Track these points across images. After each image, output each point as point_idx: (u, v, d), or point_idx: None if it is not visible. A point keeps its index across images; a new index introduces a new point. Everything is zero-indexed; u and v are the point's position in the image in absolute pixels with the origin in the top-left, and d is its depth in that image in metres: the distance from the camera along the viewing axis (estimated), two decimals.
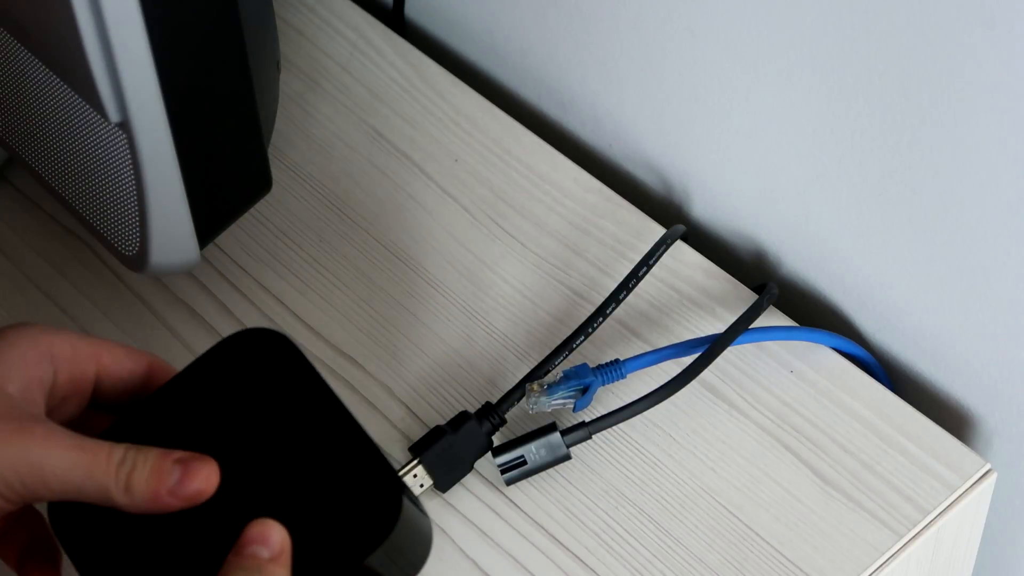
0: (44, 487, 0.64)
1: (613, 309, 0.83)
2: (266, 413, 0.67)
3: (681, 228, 0.87)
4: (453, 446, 0.79)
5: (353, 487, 0.64)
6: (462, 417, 0.79)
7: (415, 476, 0.78)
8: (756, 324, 0.82)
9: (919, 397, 0.86)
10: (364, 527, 0.63)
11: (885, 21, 0.73)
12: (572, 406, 0.81)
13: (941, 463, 0.79)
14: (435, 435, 0.79)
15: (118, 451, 0.64)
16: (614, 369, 0.81)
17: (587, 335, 0.82)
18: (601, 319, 0.82)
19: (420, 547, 0.66)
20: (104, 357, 0.69)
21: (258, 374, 0.67)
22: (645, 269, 0.84)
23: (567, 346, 0.81)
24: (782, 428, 0.81)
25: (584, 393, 0.80)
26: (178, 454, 0.64)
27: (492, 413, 0.79)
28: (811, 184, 0.84)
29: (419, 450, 0.78)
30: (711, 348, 0.81)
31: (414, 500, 0.65)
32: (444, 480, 0.79)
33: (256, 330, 0.68)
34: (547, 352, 0.83)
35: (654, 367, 0.83)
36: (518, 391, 0.79)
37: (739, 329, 0.81)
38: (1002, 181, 0.74)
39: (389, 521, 0.63)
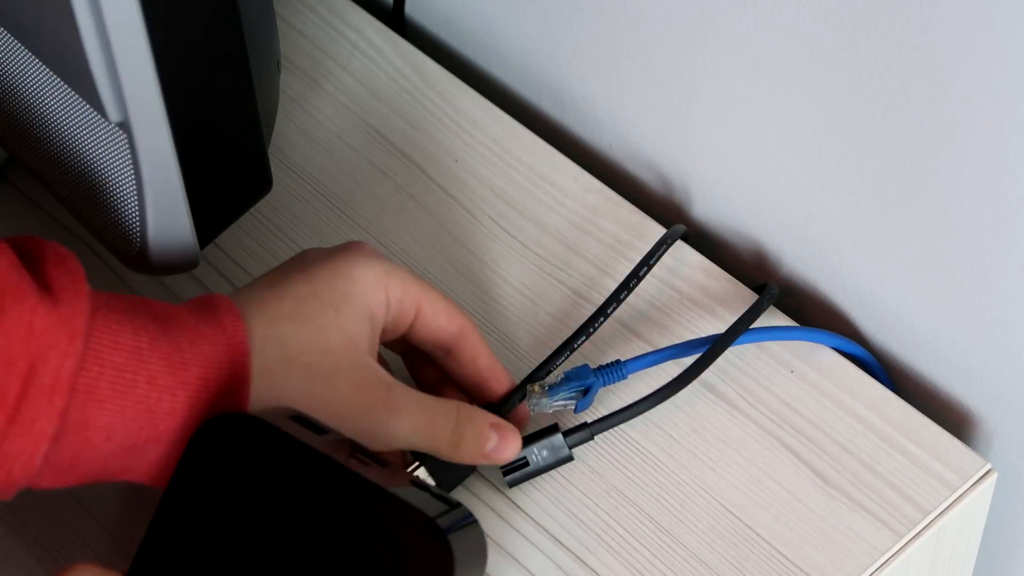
0: (387, 446, 0.74)
1: (614, 309, 0.83)
2: (276, 499, 0.67)
3: (682, 228, 0.87)
4: None
5: (399, 543, 0.65)
6: None
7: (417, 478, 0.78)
8: (756, 324, 0.82)
9: (919, 397, 0.86)
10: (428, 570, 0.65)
11: (885, 21, 0.73)
12: (573, 407, 0.81)
13: (941, 463, 0.79)
14: None
15: (451, 417, 0.75)
16: (615, 370, 0.81)
17: (588, 335, 0.82)
18: (602, 319, 0.82)
19: (479, 549, 0.68)
20: (425, 306, 0.76)
21: (247, 461, 0.67)
22: (646, 269, 0.84)
23: (568, 346, 0.81)
24: (782, 428, 0.81)
25: (585, 394, 0.80)
26: (492, 418, 0.76)
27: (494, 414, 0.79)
28: (811, 184, 0.84)
29: (421, 453, 0.78)
30: (712, 348, 0.81)
31: (448, 506, 0.67)
32: (447, 482, 0.78)
33: (220, 417, 0.68)
34: (547, 352, 0.83)
35: (655, 367, 0.83)
36: (519, 392, 0.79)
37: (740, 329, 0.81)
38: (1002, 181, 0.74)
39: (447, 559, 0.65)
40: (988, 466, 0.79)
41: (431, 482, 0.78)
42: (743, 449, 0.80)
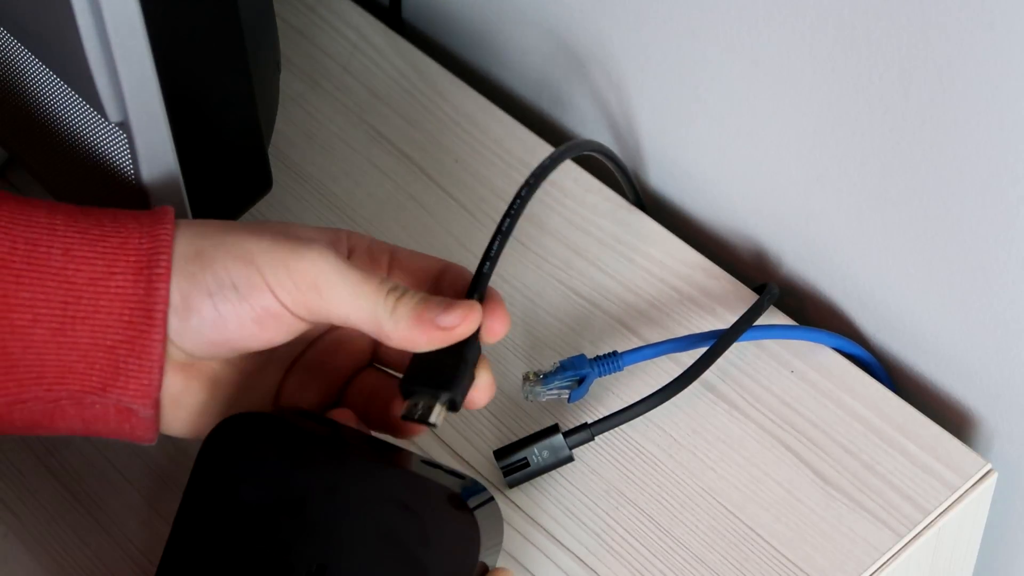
0: (317, 294, 0.68)
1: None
2: (297, 492, 0.68)
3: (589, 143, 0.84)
4: None
5: (424, 520, 0.66)
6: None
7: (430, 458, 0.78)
8: (756, 324, 0.82)
9: (919, 397, 0.86)
10: (457, 548, 0.66)
11: (885, 21, 0.73)
12: (567, 396, 0.81)
13: (941, 463, 0.79)
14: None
15: (389, 281, 0.69)
16: (611, 361, 0.81)
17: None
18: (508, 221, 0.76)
19: (497, 523, 0.69)
20: (399, 252, 0.73)
21: (263, 457, 0.69)
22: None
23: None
24: (782, 428, 0.81)
25: (580, 384, 0.80)
26: (445, 298, 0.69)
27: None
28: (811, 184, 0.84)
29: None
30: (712, 348, 0.81)
31: (463, 481, 0.67)
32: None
33: (234, 417, 0.70)
34: (547, 352, 0.83)
35: (654, 369, 0.83)
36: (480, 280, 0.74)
37: (740, 329, 0.81)
38: (1002, 181, 0.74)
39: (473, 531, 0.65)
40: (988, 466, 0.79)
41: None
42: (743, 449, 0.80)
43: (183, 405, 0.71)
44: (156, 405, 0.69)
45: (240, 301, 0.68)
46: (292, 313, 0.69)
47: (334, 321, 0.69)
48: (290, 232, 0.70)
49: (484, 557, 0.66)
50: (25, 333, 0.67)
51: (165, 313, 0.68)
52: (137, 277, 0.68)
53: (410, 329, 0.68)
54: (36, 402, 0.68)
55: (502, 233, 0.73)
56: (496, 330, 0.70)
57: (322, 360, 0.74)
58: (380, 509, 0.67)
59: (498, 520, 0.69)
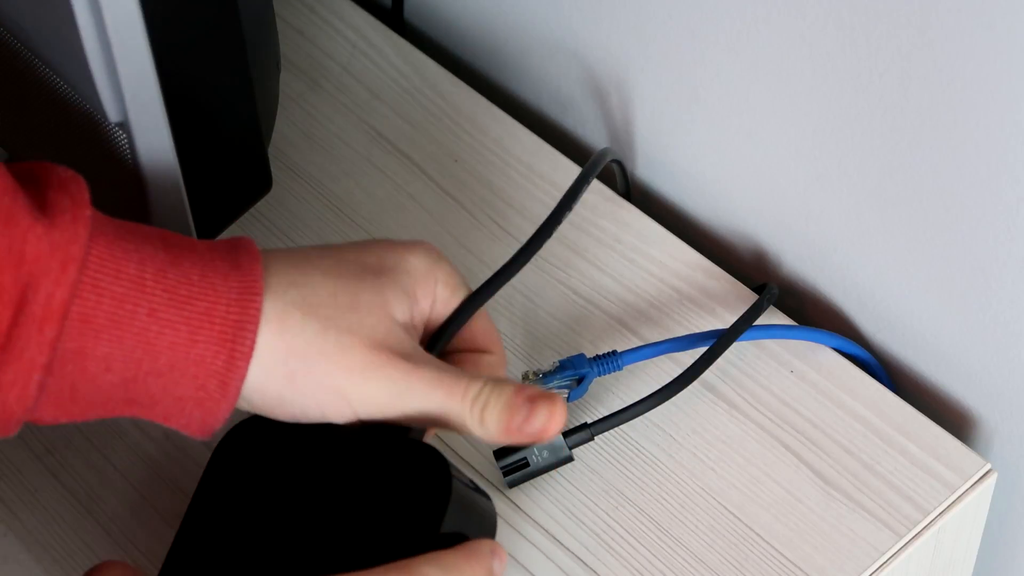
0: (400, 413, 0.68)
1: (544, 241, 0.78)
2: (299, 485, 0.70)
3: (609, 153, 0.85)
4: None
5: (402, 477, 0.68)
6: None
7: None
8: (756, 324, 0.82)
9: (919, 397, 0.86)
10: (428, 496, 0.67)
11: (885, 21, 0.73)
12: (567, 396, 0.81)
13: (941, 463, 0.79)
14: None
15: (475, 386, 0.68)
16: (611, 360, 0.81)
17: (522, 264, 0.77)
18: (533, 252, 0.78)
19: (483, 510, 0.70)
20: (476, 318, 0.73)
21: (269, 459, 0.71)
22: (574, 199, 0.80)
23: (507, 273, 0.77)
24: (782, 428, 0.81)
25: (579, 383, 0.80)
26: (530, 391, 0.68)
27: None
28: (811, 184, 0.84)
29: None
30: (712, 348, 0.81)
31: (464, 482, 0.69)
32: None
33: (244, 422, 0.72)
34: (547, 352, 0.83)
35: (654, 369, 0.83)
36: (445, 333, 0.74)
37: (740, 329, 0.81)
38: (1002, 181, 0.74)
39: (445, 484, 0.67)
40: (988, 466, 0.79)
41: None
42: (743, 449, 0.80)
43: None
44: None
45: (318, 412, 0.69)
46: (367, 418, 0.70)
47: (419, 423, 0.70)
48: (389, 333, 0.69)
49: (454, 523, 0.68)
50: (96, 378, 0.66)
51: (239, 387, 0.67)
52: (219, 349, 0.66)
53: (500, 436, 0.69)
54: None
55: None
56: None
57: None
58: (368, 473, 0.69)
59: (486, 511, 0.70)
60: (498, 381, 0.69)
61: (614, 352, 0.81)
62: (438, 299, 0.72)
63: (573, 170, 0.91)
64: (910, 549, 0.77)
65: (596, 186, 0.91)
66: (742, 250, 0.91)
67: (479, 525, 0.69)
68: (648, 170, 0.94)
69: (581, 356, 0.81)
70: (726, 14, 0.81)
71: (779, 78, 0.81)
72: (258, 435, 0.71)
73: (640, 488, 0.79)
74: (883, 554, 0.76)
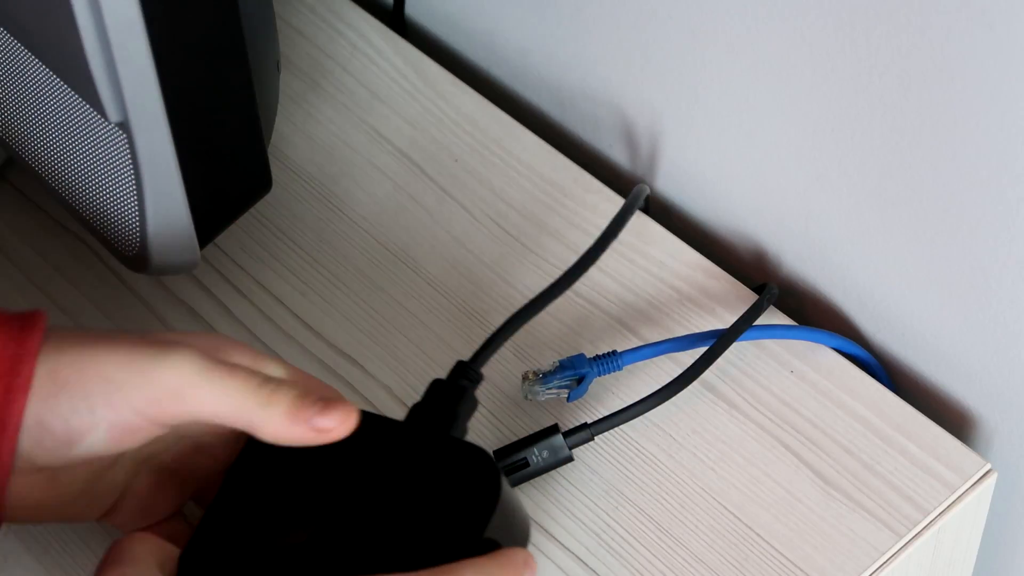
0: (182, 403, 0.66)
1: (574, 280, 0.81)
2: (338, 469, 0.69)
3: (645, 189, 0.86)
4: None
5: (448, 477, 0.68)
6: (434, 386, 0.75)
7: None
8: (756, 324, 0.83)
9: (919, 397, 0.86)
10: (475, 500, 0.66)
11: (885, 21, 0.73)
12: (566, 396, 0.81)
13: (941, 463, 0.79)
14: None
15: (260, 374, 0.66)
16: (610, 360, 0.81)
17: (551, 300, 0.80)
18: (564, 288, 0.80)
19: (522, 516, 0.69)
20: (285, 367, 0.70)
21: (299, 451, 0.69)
22: (611, 238, 0.82)
23: (531, 312, 0.79)
24: (782, 428, 0.81)
25: (579, 383, 0.80)
26: (329, 391, 0.68)
27: (467, 370, 0.75)
28: (811, 184, 0.84)
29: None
30: (712, 348, 0.81)
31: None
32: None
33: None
34: (547, 352, 0.83)
35: (654, 369, 0.83)
36: (491, 346, 0.76)
37: (740, 329, 0.81)
38: (1002, 181, 0.74)
39: (494, 488, 0.66)
40: (988, 466, 0.79)
41: None
42: (743, 449, 0.80)
43: (25, 504, 0.68)
44: (0, 503, 0.67)
45: (96, 419, 0.66)
46: (152, 423, 0.67)
47: (203, 420, 0.67)
48: (154, 338, 0.68)
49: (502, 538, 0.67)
50: None
51: (16, 432, 0.66)
52: None
53: (284, 426, 0.66)
54: None
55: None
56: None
57: (178, 464, 0.72)
58: (410, 475, 0.68)
59: (525, 518, 0.70)
60: (286, 381, 0.67)
61: (614, 352, 0.81)
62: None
63: (573, 170, 0.91)
64: (910, 549, 0.77)
65: (596, 186, 0.91)
66: (742, 250, 0.91)
67: (519, 531, 0.69)
68: (648, 170, 0.94)
69: (581, 356, 0.81)
70: (726, 14, 0.81)
71: (779, 78, 0.81)
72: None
73: (640, 488, 0.79)
74: (883, 554, 0.76)
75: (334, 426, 0.66)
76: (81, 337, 0.68)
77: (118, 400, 0.66)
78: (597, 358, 0.81)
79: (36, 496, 0.68)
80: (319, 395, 0.67)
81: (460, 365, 0.74)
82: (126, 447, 0.68)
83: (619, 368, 0.81)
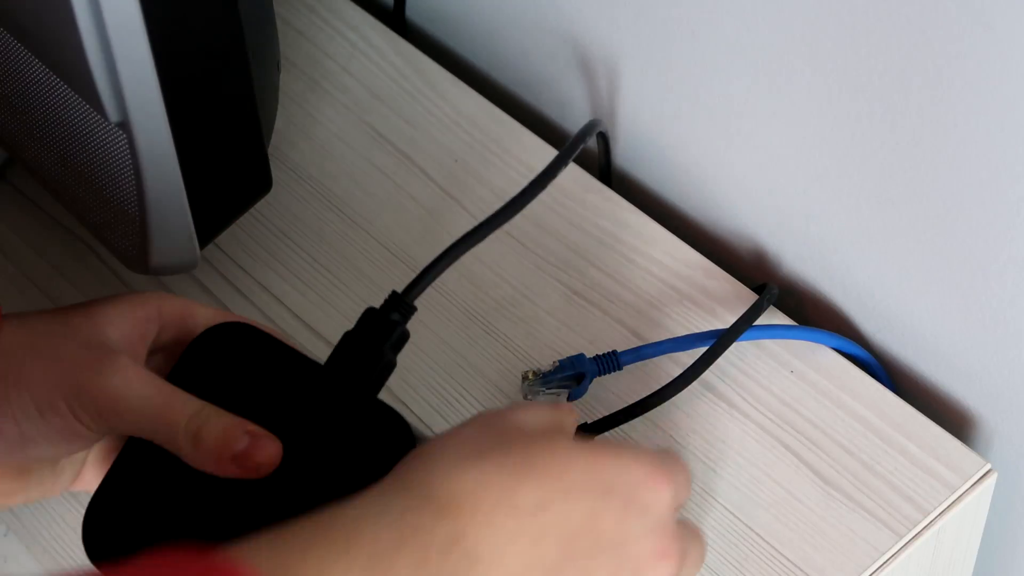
0: (118, 417, 0.67)
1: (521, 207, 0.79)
2: (262, 387, 0.70)
3: (599, 123, 0.85)
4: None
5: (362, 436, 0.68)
6: (367, 314, 0.74)
7: None
8: (756, 324, 0.83)
9: (919, 397, 0.86)
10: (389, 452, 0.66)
11: (885, 21, 0.73)
12: (567, 395, 0.81)
13: (941, 463, 0.79)
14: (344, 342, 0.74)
15: (194, 403, 0.67)
16: (610, 360, 0.81)
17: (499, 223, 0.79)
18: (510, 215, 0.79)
19: None
20: (201, 319, 0.72)
21: (239, 363, 0.71)
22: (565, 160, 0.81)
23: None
24: (782, 428, 0.81)
25: (579, 383, 0.80)
26: (251, 426, 0.66)
27: (400, 303, 0.73)
28: (811, 184, 0.84)
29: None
30: (712, 348, 0.81)
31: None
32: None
33: (221, 326, 0.72)
34: (547, 352, 0.83)
35: (654, 369, 0.83)
36: (427, 277, 0.75)
37: (740, 329, 0.81)
38: (1002, 181, 0.74)
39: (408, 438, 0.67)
40: (988, 466, 0.79)
41: None
42: (743, 449, 0.80)
43: None
44: None
45: (44, 423, 0.68)
46: (95, 431, 0.68)
47: (137, 435, 0.69)
48: (97, 336, 0.69)
49: None
50: None
51: None
52: None
53: (210, 462, 0.66)
54: None
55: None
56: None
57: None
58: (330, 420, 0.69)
59: None
60: (220, 410, 0.67)
61: (614, 352, 0.81)
62: (166, 317, 0.72)
63: (573, 170, 0.91)
64: (910, 549, 0.77)
65: (596, 185, 0.91)
66: (742, 250, 0.91)
67: None
68: (648, 170, 0.94)
69: (581, 356, 0.81)
70: (726, 14, 0.81)
71: (779, 78, 0.80)
72: (233, 341, 0.71)
73: None
74: (883, 554, 0.76)
75: (259, 464, 0.66)
76: (28, 329, 0.69)
77: (61, 408, 0.68)
78: (597, 358, 0.81)
79: (2, 487, 0.70)
80: (244, 429, 0.67)
81: (393, 296, 0.73)
82: (77, 451, 0.70)
83: (619, 368, 0.81)
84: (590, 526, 0.61)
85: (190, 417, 0.66)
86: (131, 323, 0.71)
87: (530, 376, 0.81)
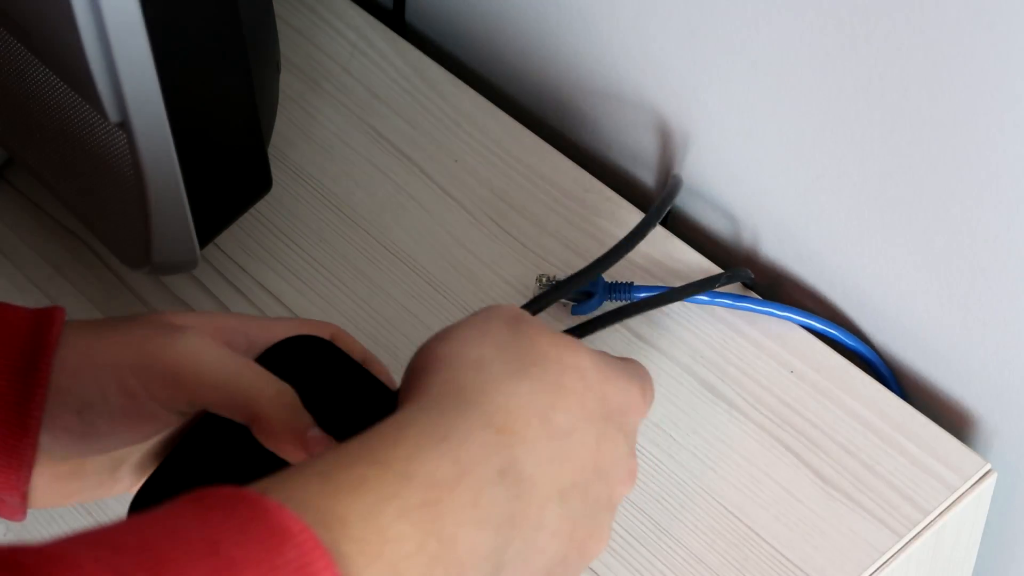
0: (195, 381, 0.65)
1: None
2: (328, 406, 0.67)
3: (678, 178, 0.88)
4: None
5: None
6: None
7: None
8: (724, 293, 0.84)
9: (919, 397, 0.86)
10: None
11: (885, 22, 0.73)
12: (571, 308, 0.84)
13: (941, 463, 0.79)
14: None
15: (273, 381, 0.65)
16: (624, 289, 0.84)
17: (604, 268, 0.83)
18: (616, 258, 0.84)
19: None
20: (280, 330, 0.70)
21: (312, 373, 0.69)
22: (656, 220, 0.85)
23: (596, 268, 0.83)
24: (782, 428, 0.81)
25: (588, 299, 0.83)
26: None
27: None
28: (811, 184, 0.84)
29: None
30: (656, 298, 0.83)
31: None
32: None
33: (298, 338, 0.70)
34: None
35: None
36: None
37: (689, 291, 0.83)
38: (1002, 181, 0.74)
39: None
40: (988, 466, 0.79)
41: None
42: (743, 449, 0.80)
43: (48, 497, 0.69)
44: (24, 496, 0.67)
45: (111, 409, 0.66)
46: (168, 407, 0.66)
47: (213, 408, 0.66)
48: (162, 320, 0.68)
49: None
50: None
51: (39, 421, 0.66)
52: (14, 378, 0.65)
53: (283, 433, 0.64)
54: None
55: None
56: None
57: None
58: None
59: None
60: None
61: (631, 284, 0.84)
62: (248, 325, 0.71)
63: (573, 170, 0.91)
64: (910, 549, 0.77)
65: (597, 186, 0.91)
66: (741, 250, 0.91)
67: None
68: (647, 170, 0.94)
69: (599, 278, 0.84)
70: (726, 14, 0.81)
71: (779, 78, 0.80)
72: (307, 354, 0.70)
73: (640, 488, 0.79)
74: (883, 554, 0.76)
75: (323, 442, 0.64)
76: (93, 327, 0.67)
77: (132, 387, 0.65)
78: (613, 284, 0.84)
79: (61, 489, 0.69)
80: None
81: None
82: (150, 435, 0.68)
83: (631, 298, 0.84)
84: (594, 452, 0.62)
85: (275, 392, 0.65)
86: (211, 325, 0.69)
87: (543, 280, 0.84)
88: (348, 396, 0.68)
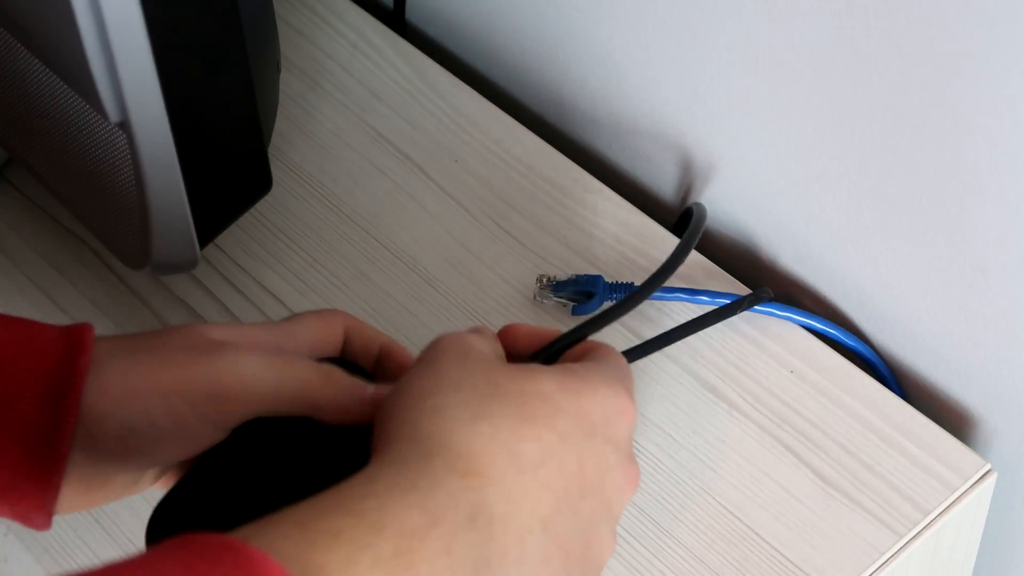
0: (242, 392, 0.65)
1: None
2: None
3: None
4: None
5: None
6: None
7: None
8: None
9: (919, 397, 0.86)
10: None
11: (885, 21, 0.73)
12: (572, 308, 0.84)
13: (941, 463, 0.79)
14: None
15: (311, 362, 0.66)
16: (626, 289, 0.84)
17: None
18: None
19: None
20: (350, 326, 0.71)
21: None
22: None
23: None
24: (782, 428, 0.81)
25: (588, 299, 0.83)
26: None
27: None
28: (811, 184, 0.84)
29: None
30: (690, 324, 0.82)
31: None
32: None
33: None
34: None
35: (653, 368, 0.83)
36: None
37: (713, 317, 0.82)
38: (1002, 181, 0.74)
39: None
40: (988, 466, 0.79)
41: None
42: (743, 449, 0.80)
43: (77, 503, 0.68)
44: (50, 514, 0.67)
45: (158, 431, 0.65)
46: (215, 424, 0.66)
47: (265, 411, 0.66)
48: (196, 338, 0.67)
49: None
50: None
51: (68, 448, 0.65)
52: (42, 405, 0.65)
53: (347, 397, 0.66)
54: None
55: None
56: None
57: None
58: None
59: None
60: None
61: (631, 284, 0.84)
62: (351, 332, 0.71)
63: (573, 170, 0.91)
64: (910, 549, 0.77)
65: (597, 186, 0.91)
66: (741, 250, 0.91)
67: None
68: (647, 170, 0.94)
69: (599, 278, 0.84)
70: (726, 14, 0.81)
71: (779, 78, 0.80)
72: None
73: (640, 488, 0.79)
74: (883, 554, 0.76)
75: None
76: (126, 348, 0.67)
77: (180, 408, 0.65)
78: (614, 284, 0.84)
79: (87, 498, 0.68)
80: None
81: None
82: (192, 452, 0.67)
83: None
84: (577, 472, 0.61)
85: (318, 368, 0.65)
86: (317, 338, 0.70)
87: (544, 280, 0.84)
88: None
